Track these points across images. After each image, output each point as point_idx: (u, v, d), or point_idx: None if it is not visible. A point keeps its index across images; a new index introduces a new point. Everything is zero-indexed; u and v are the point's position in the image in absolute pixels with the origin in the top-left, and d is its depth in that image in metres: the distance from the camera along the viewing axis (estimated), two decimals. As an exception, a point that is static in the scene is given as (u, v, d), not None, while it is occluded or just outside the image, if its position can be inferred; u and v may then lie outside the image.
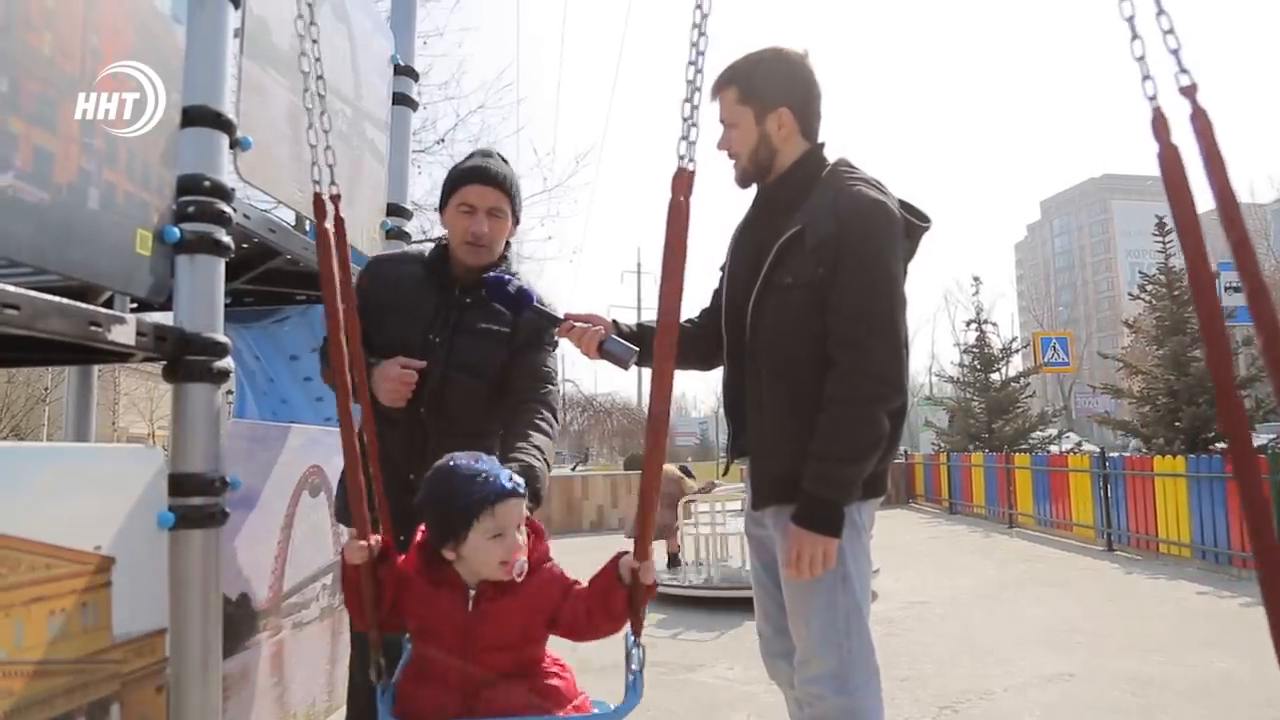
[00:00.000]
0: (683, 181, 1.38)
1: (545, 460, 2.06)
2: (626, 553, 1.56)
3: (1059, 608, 6.23)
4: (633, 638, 1.59)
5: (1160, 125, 1.07)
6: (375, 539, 1.63)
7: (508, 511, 1.60)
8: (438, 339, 2.24)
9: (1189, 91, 1.06)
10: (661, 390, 1.45)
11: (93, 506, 1.76)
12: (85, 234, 1.79)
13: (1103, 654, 4.83)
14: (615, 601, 1.57)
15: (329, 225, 1.62)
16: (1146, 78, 1.10)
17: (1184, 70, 1.06)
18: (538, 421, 2.15)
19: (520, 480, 1.66)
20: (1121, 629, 5.45)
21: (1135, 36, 1.13)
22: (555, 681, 1.66)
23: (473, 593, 1.62)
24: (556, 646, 1.72)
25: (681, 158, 1.38)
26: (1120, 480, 9.32)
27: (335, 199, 1.64)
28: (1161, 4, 1.06)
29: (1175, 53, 1.08)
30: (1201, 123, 1.04)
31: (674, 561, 7.87)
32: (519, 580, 1.61)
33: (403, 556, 1.70)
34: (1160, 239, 14.57)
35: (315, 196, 1.61)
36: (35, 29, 1.67)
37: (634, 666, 1.57)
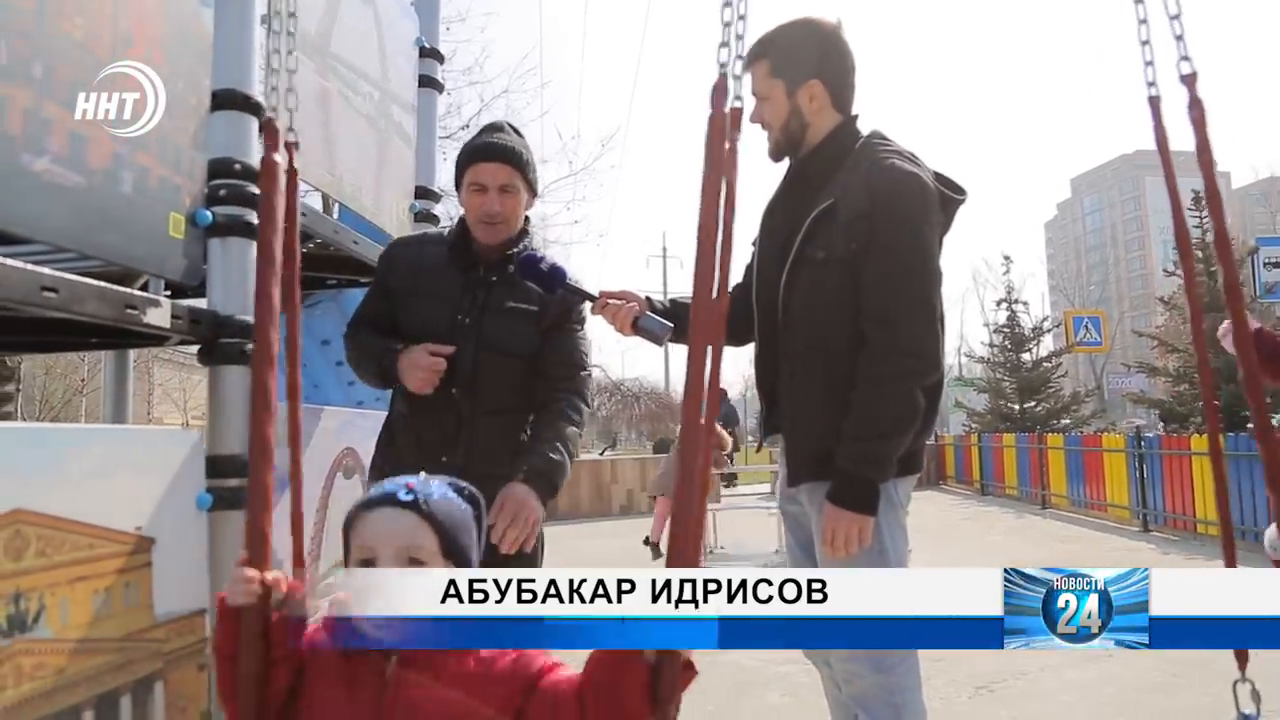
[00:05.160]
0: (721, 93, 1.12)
1: (568, 452, 2.18)
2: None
3: (1095, 588, 6.16)
4: None
5: (1156, 110, 1.15)
6: (274, 575, 1.19)
7: (371, 524, 1.23)
8: (467, 319, 2.22)
9: (1189, 80, 1.11)
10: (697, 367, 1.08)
11: (133, 488, 1.78)
12: (119, 217, 1.81)
13: (1141, 634, 4.77)
14: (628, 693, 1.06)
15: (279, 158, 1.38)
16: (1149, 63, 1.13)
17: (1185, 58, 1.11)
18: (567, 411, 2.24)
19: (426, 492, 1.24)
20: (1159, 609, 5.38)
21: (1142, 21, 1.15)
22: None
23: (390, 672, 1.18)
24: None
25: (722, 65, 1.12)
26: (1156, 459, 9.19)
27: (291, 146, 1.44)
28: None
29: (1179, 39, 1.12)
30: (1197, 112, 1.10)
31: (656, 553, 6.45)
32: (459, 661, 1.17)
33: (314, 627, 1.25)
34: (1196, 214, 14.29)
35: (267, 122, 1.43)
36: (67, 14, 1.67)
37: None
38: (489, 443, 2.21)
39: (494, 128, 2.31)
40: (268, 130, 1.40)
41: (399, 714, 1.13)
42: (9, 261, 1.50)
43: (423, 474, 1.29)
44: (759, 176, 2.29)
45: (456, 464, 2.12)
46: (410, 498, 1.20)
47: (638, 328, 2.09)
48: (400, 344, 2.20)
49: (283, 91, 1.44)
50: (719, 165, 1.11)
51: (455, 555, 1.21)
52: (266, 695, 1.15)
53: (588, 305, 2.21)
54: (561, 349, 2.30)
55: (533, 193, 2.31)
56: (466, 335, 2.21)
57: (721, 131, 1.12)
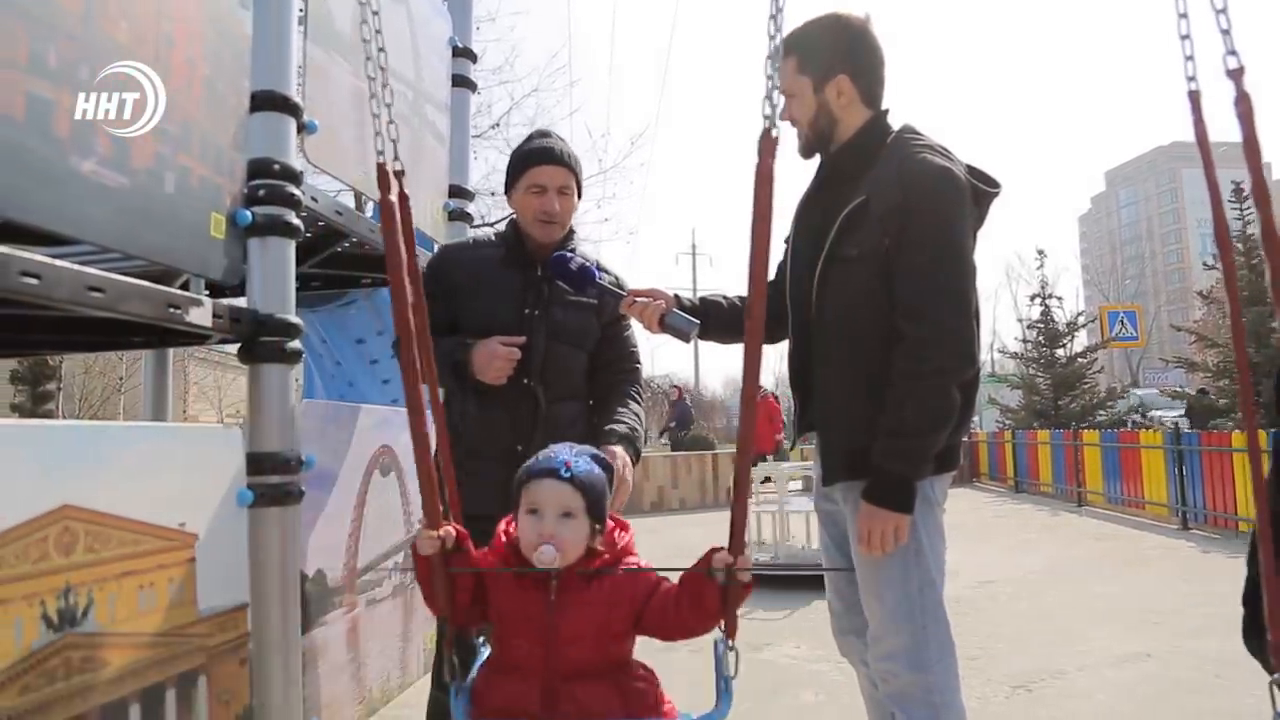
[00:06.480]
0: (769, 145, 1.31)
1: (642, 427, 2.39)
2: (721, 548, 1.47)
3: (1132, 587, 6.06)
4: (725, 640, 1.49)
5: (1197, 106, 1.11)
6: (447, 529, 1.54)
7: (540, 490, 1.55)
8: (536, 312, 2.32)
9: (1236, 75, 1.07)
10: (751, 370, 1.41)
11: (176, 484, 1.81)
12: (162, 217, 1.84)
13: (1181, 634, 4.69)
14: (708, 599, 1.49)
15: (393, 198, 1.54)
16: (1189, 58, 1.11)
17: (1232, 52, 1.06)
18: (634, 394, 2.43)
19: (578, 468, 1.59)
20: (1200, 609, 5.28)
21: (1183, 15, 1.12)
22: (640, 685, 1.58)
23: (554, 583, 1.54)
24: (643, 652, 1.64)
25: (766, 118, 1.32)
26: (1196, 456, 9.02)
27: (399, 174, 1.56)
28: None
29: (1226, 33, 1.08)
30: (1244, 107, 1.06)
31: None
32: (593, 570, 1.56)
33: (487, 549, 1.63)
34: (1237, 206, 14.03)
35: (379, 168, 1.54)
36: (111, 18, 1.70)
37: (726, 672, 1.48)
38: (560, 430, 2.26)
39: (544, 133, 2.45)
40: (380, 176, 1.53)
41: (562, 607, 1.53)
42: (57, 262, 1.53)
43: (573, 448, 1.64)
44: (790, 172, 2.28)
45: (531, 453, 2.19)
46: (568, 475, 1.56)
47: (665, 325, 2.09)
48: (470, 339, 2.25)
49: (384, 126, 1.54)
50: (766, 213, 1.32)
51: (596, 511, 1.58)
52: (455, 600, 1.57)
53: None
54: (623, 344, 2.47)
55: (580, 195, 2.43)
56: (536, 327, 2.30)
57: (768, 182, 1.30)
